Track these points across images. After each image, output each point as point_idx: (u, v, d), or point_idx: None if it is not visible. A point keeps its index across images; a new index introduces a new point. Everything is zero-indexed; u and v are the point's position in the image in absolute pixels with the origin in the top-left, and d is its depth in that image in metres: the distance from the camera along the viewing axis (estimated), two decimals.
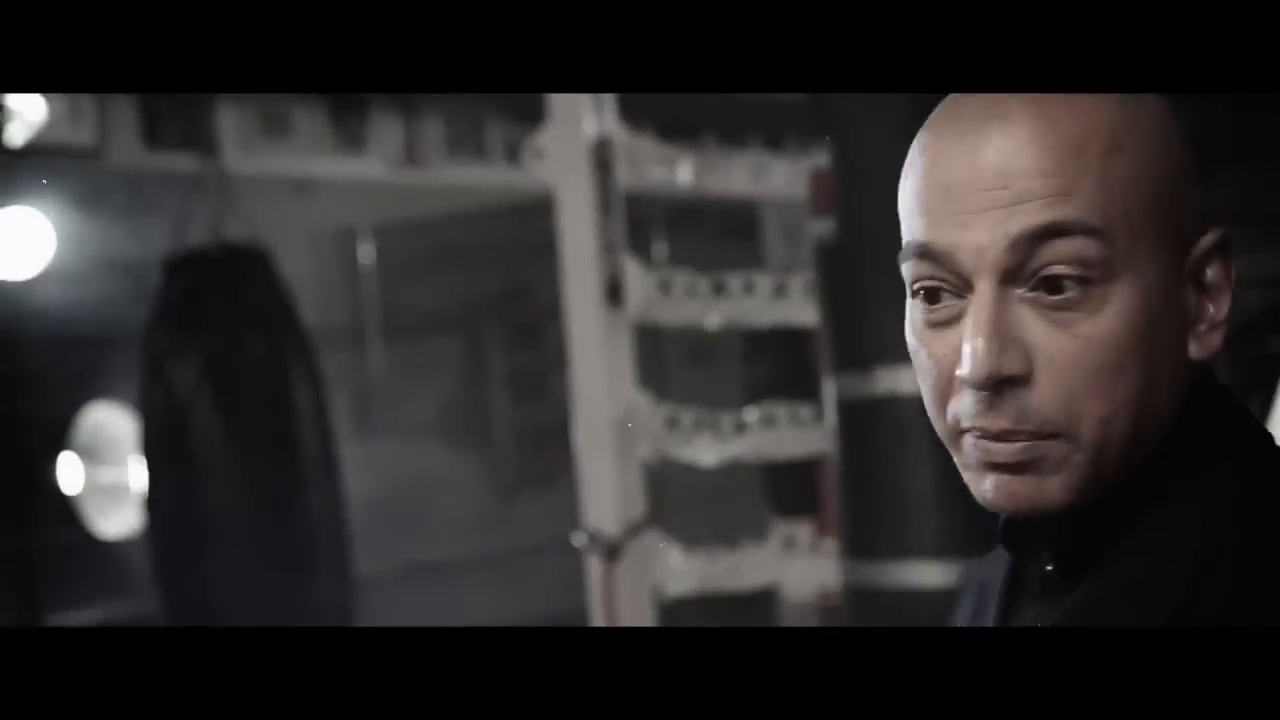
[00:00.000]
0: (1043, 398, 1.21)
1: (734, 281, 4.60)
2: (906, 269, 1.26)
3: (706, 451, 4.52)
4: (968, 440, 1.24)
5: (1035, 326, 1.20)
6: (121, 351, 5.14)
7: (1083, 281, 1.20)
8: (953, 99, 1.28)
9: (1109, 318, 1.20)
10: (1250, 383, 3.24)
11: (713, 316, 4.60)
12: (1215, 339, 1.27)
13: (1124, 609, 1.22)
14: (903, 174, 1.28)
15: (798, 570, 4.65)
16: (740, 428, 4.56)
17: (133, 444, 5.17)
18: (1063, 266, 1.19)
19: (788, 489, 6.44)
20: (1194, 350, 1.26)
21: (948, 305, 1.24)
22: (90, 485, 5.45)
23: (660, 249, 6.29)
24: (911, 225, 1.25)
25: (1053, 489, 1.23)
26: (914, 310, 1.27)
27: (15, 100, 4.88)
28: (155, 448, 4.57)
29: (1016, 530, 1.33)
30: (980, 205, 1.21)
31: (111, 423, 5.41)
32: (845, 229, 3.86)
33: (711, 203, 5.64)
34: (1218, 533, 1.22)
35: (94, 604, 5.35)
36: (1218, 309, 1.27)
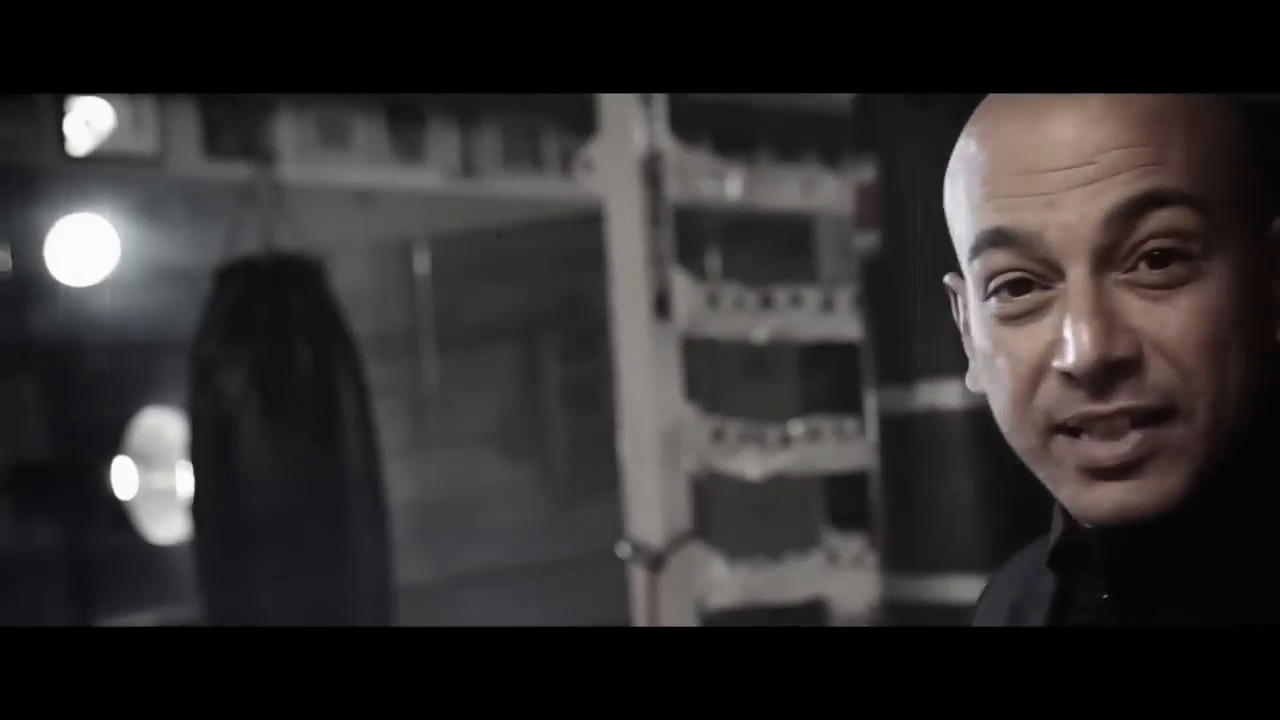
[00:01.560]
0: (1157, 374, 1.13)
1: (781, 295, 4.59)
2: (979, 264, 1.18)
3: (751, 464, 4.52)
4: (1063, 444, 1.16)
5: (1137, 306, 1.13)
6: (176, 358, 5.18)
7: (1183, 256, 1.13)
8: (1002, 95, 1.22)
9: (1212, 291, 1.13)
10: None
11: (760, 330, 4.60)
12: None
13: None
14: (950, 174, 1.22)
15: (843, 584, 4.64)
16: (785, 441, 4.56)
17: (182, 449, 5.22)
18: (1163, 240, 1.12)
19: (845, 502, 6.44)
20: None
21: (1030, 297, 1.16)
22: (143, 490, 5.50)
23: (714, 262, 6.30)
24: (978, 218, 1.17)
25: (1171, 488, 1.14)
26: (984, 310, 1.19)
27: (82, 108, 4.94)
28: (202, 453, 4.62)
29: (1071, 551, 1.23)
30: (1066, 184, 1.13)
31: (165, 428, 5.45)
32: (890, 243, 3.85)
33: (766, 217, 5.64)
34: None
35: (145, 608, 5.39)
36: None
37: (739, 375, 6.77)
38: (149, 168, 5.23)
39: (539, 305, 7.06)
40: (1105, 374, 1.12)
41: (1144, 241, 1.12)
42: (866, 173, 3.94)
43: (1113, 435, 1.13)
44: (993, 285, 1.17)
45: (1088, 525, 1.18)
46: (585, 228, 6.20)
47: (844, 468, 4.67)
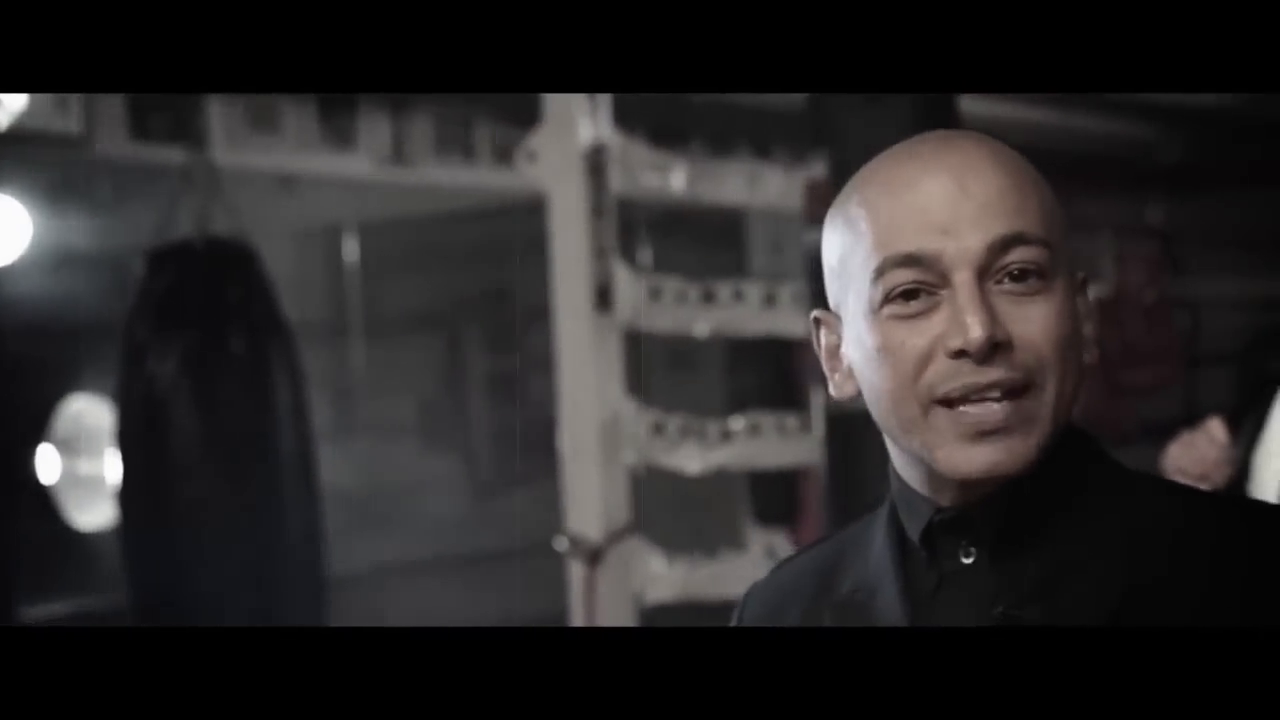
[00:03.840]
0: (1021, 355, 1.46)
1: (723, 290, 4.58)
2: (882, 283, 1.49)
3: (692, 459, 4.50)
4: (942, 414, 1.47)
5: (1004, 307, 1.47)
6: (102, 342, 5.09)
7: (1038, 275, 1.48)
8: (891, 151, 1.55)
9: (1055, 303, 1.48)
10: (1246, 403, 3.25)
11: (701, 324, 4.58)
12: (1096, 354, 1.55)
13: (1079, 589, 1.48)
14: (845, 221, 1.54)
15: None
16: (726, 436, 4.54)
17: (111, 436, 5.13)
18: (1023, 265, 1.48)
19: (770, 498, 6.43)
20: (1086, 357, 1.53)
21: (920, 302, 1.48)
22: (67, 476, 5.40)
23: (645, 255, 6.27)
24: (882, 248, 1.49)
25: (1027, 449, 1.47)
26: (877, 317, 1.50)
27: None
28: (132, 440, 4.53)
29: (945, 525, 1.52)
30: (957, 217, 1.47)
31: (90, 414, 5.36)
32: None
33: (697, 210, 5.62)
34: (1141, 519, 1.51)
35: (68, 596, 5.30)
36: (1091, 330, 1.54)
37: (664, 369, 6.74)
38: (72, 149, 5.13)
39: (465, 295, 7.01)
40: (989, 350, 1.44)
41: (1010, 264, 1.47)
42: (817, 168, 3.93)
43: (986, 404, 1.46)
44: (891, 296, 1.49)
45: (959, 479, 1.48)
46: (515, 218, 6.16)
47: (784, 463, 4.66)
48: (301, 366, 4.62)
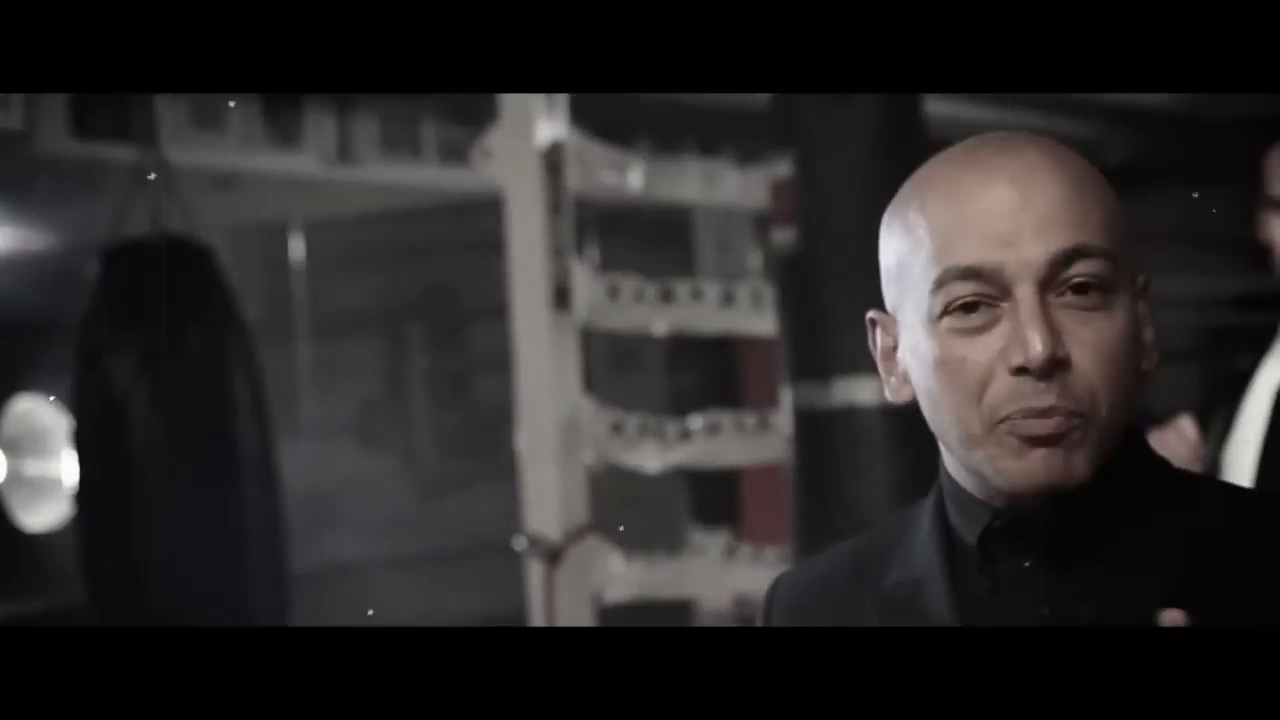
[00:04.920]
0: (1078, 379, 1.46)
1: (681, 289, 4.59)
2: (942, 294, 1.48)
3: (650, 458, 4.51)
4: (1003, 429, 1.47)
5: (1065, 323, 1.46)
6: (48, 342, 5.05)
7: (1099, 290, 1.47)
8: (950, 153, 1.54)
9: (1117, 319, 1.48)
10: (1216, 398, 3.29)
11: (659, 323, 4.59)
12: (1154, 359, 1.55)
13: (1130, 591, 1.48)
14: (904, 228, 1.52)
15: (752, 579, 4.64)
16: (685, 435, 4.55)
17: (59, 436, 5.09)
18: (1086, 278, 1.47)
19: (709, 498, 6.45)
20: (1144, 365, 1.53)
21: (981, 314, 1.47)
22: (13, 477, 5.35)
23: (593, 255, 6.27)
24: (941, 259, 1.48)
25: (1080, 463, 1.47)
26: (940, 327, 1.49)
27: None
28: (89, 440, 4.50)
29: (1005, 529, 1.52)
30: (1019, 228, 1.47)
31: (37, 414, 5.31)
32: (806, 240, 3.86)
33: (645, 209, 5.63)
34: (1197, 522, 1.52)
35: (14, 598, 5.25)
36: (1150, 335, 1.54)
37: (604, 368, 6.75)
38: (14, 146, 5.08)
39: (408, 294, 6.99)
40: (1050, 368, 1.44)
41: (1073, 277, 1.46)
42: (782, 168, 3.95)
43: (1047, 415, 1.45)
44: (950, 308, 1.48)
45: (1015, 493, 1.49)
46: (461, 216, 6.14)
47: (743, 462, 4.68)
48: (260, 364, 4.59)
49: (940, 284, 1.48)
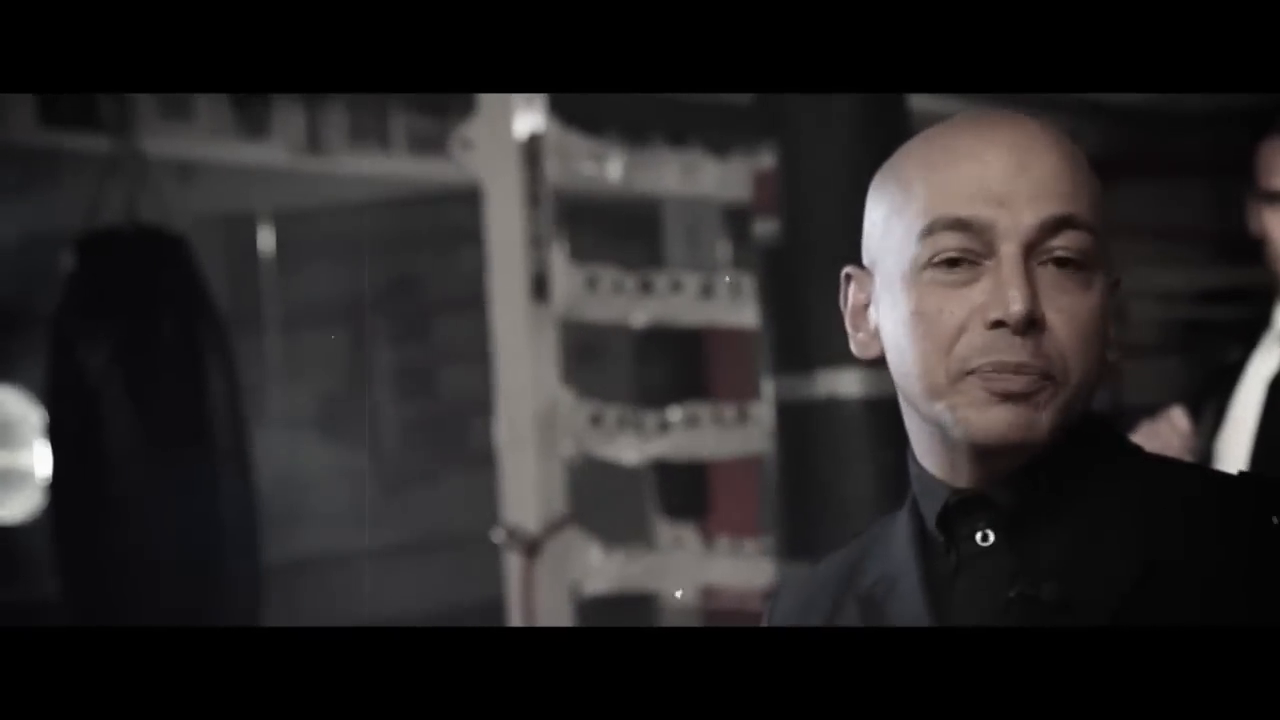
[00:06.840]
0: (1051, 343, 1.49)
1: (661, 280, 4.56)
2: (931, 242, 1.51)
3: (629, 450, 4.49)
4: (972, 380, 1.49)
5: (1044, 290, 1.49)
6: (15, 331, 5.01)
7: (1079, 265, 1.51)
8: (952, 120, 1.58)
9: (1093, 295, 1.51)
10: (1206, 390, 3.31)
11: (639, 314, 4.57)
12: (1118, 354, 1.57)
13: (1094, 569, 1.50)
14: (896, 177, 1.56)
15: (726, 571, 4.63)
16: (664, 427, 4.53)
17: (29, 427, 5.05)
18: (1068, 251, 1.50)
19: (676, 491, 6.43)
20: (1109, 355, 1.55)
21: (965, 270, 1.50)
22: None
23: (563, 246, 6.25)
24: (931, 209, 1.51)
25: (1043, 423, 1.49)
26: (921, 278, 1.52)
27: None
28: (63, 431, 4.47)
29: (961, 505, 1.54)
30: (1018, 190, 1.50)
31: (8, 405, 5.27)
32: (790, 232, 3.86)
33: (612, 201, 5.61)
34: (1158, 499, 1.54)
35: None
36: (1114, 333, 1.56)
37: (571, 359, 6.73)
38: None
39: (374, 286, 6.96)
40: (1027, 326, 1.47)
41: (1057, 247, 1.50)
42: (764, 160, 3.95)
43: (1019, 371, 1.48)
44: (934, 260, 1.51)
45: (974, 444, 1.50)
46: (430, 208, 6.12)
47: (722, 454, 4.67)
48: (234, 355, 4.57)
49: (929, 232, 1.51)
